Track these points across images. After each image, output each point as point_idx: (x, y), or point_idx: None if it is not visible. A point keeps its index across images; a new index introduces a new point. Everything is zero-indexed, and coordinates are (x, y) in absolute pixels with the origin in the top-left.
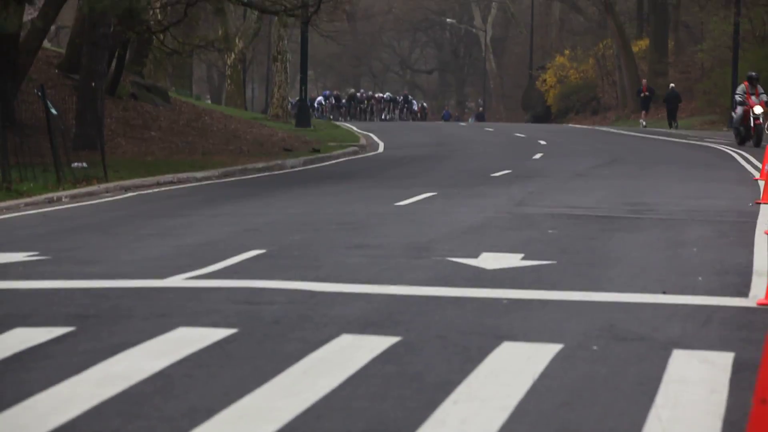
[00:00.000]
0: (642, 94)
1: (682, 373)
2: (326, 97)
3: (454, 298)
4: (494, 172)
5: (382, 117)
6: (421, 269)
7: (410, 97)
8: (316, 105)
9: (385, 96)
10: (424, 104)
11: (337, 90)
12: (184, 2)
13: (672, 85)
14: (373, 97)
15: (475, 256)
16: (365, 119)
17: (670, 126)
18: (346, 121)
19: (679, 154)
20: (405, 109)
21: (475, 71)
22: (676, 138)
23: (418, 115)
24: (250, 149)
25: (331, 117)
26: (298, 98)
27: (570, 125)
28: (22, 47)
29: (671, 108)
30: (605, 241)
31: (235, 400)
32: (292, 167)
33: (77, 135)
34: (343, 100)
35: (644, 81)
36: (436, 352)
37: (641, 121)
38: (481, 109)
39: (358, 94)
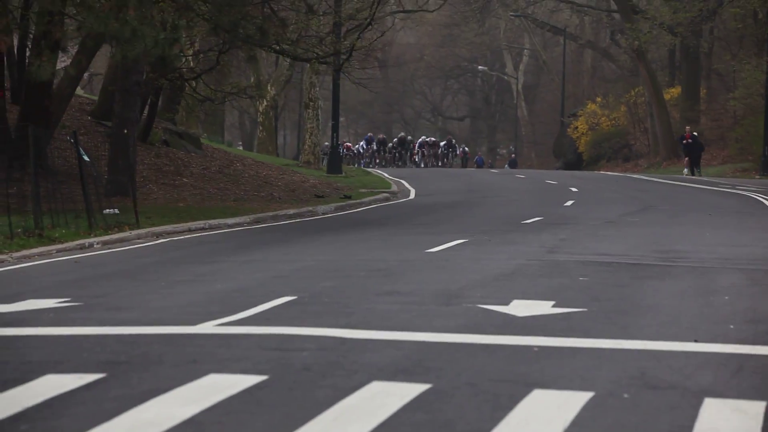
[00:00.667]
0: (685, 141)
1: (714, 422)
2: (368, 142)
3: (484, 346)
4: (525, 219)
5: (434, 163)
6: (452, 316)
7: (453, 141)
8: (357, 150)
9: (438, 141)
10: (466, 148)
11: (382, 134)
12: (217, 50)
13: (695, 133)
14: (425, 142)
15: (506, 303)
16: (415, 166)
17: (692, 173)
18: (392, 166)
19: (711, 202)
20: (450, 154)
21: (506, 118)
22: (707, 186)
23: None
24: (282, 196)
25: (377, 163)
26: (327, 143)
27: (601, 172)
28: (55, 94)
29: (695, 156)
30: (636, 289)
31: None
32: (323, 214)
33: (109, 181)
34: (390, 144)
35: (688, 128)
36: (467, 400)
37: (684, 169)
38: (513, 155)
39: (409, 138)
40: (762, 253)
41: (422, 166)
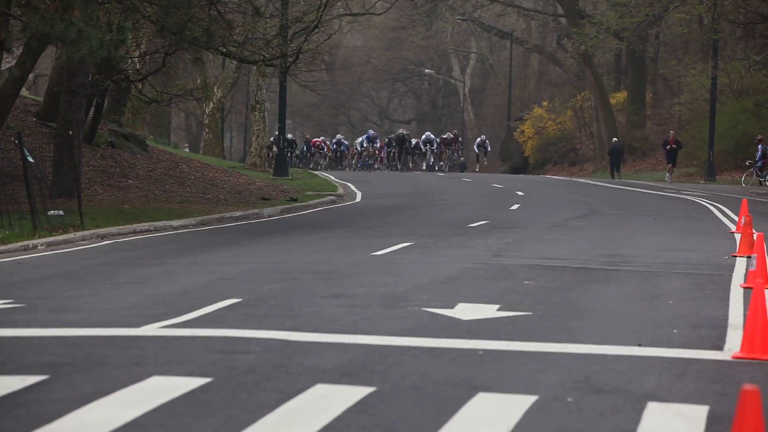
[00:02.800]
0: (668, 147)
1: (657, 426)
2: (371, 139)
3: (429, 349)
4: (471, 223)
5: (434, 166)
6: (397, 319)
7: (460, 138)
8: (358, 148)
9: (445, 137)
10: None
11: (403, 129)
12: (163, 51)
13: (615, 139)
14: (443, 140)
15: (451, 306)
16: (408, 167)
17: (613, 177)
18: (389, 169)
19: (656, 206)
20: (457, 155)
21: (453, 121)
22: (653, 190)
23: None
24: (228, 198)
25: (384, 164)
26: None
27: (548, 176)
28: None
29: (615, 160)
30: (581, 293)
31: None
32: (269, 216)
33: (54, 183)
34: (386, 142)
35: (672, 132)
36: (411, 403)
37: (667, 175)
38: (462, 159)
39: (407, 133)
40: (706, 257)
41: (437, 169)
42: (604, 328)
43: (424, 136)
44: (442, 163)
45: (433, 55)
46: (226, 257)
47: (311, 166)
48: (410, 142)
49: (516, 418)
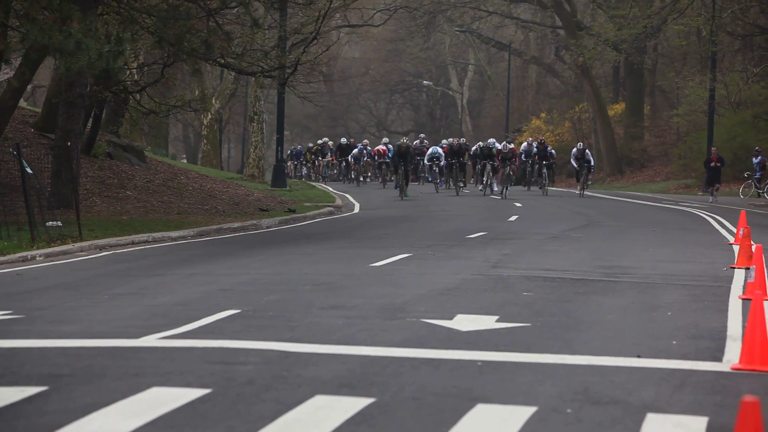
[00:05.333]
0: (712, 164)
1: None
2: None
3: (428, 360)
4: (470, 234)
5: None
6: (396, 330)
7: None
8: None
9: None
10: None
11: (460, 137)
12: (161, 63)
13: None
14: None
15: (450, 317)
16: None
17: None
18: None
19: (655, 218)
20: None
21: (451, 133)
22: (651, 201)
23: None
24: (226, 209)
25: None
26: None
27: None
28: None
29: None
30: (580, 304)
31: None
32: (267, 227)
33: (52, 194)
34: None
35: (714, 149)
36: (410, 414)
37: (710, 198)
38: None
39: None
40: (704, 269)
41: (494, 189)
42: (603, 339)
43: (430, 152)
44: (481, 186)
45: (431, 67)
46: (224, 268)
47: (370, 178)
48: (414, 156)
49: (515, 429)
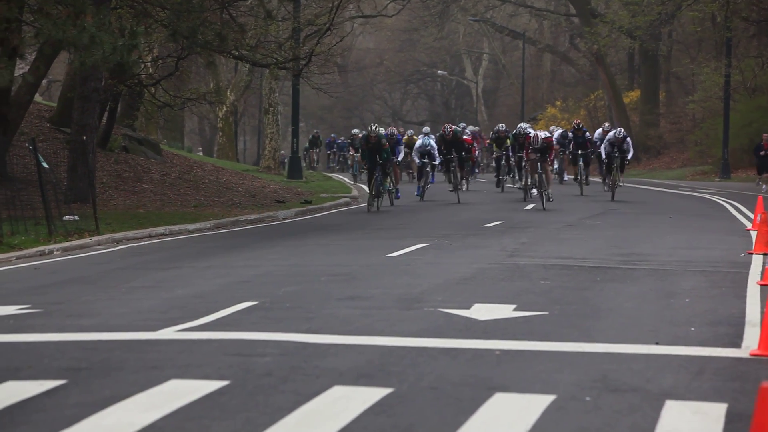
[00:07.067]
0: (763, 153)
1: (675, 424)
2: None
3: (446, 350)
4: (486, 223)
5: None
6: (413, 320)
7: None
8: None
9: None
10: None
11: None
12: (175, 56)
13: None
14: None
15: (468, 307)
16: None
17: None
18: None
19: (671, 204)
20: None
21: (466, 122)
22: (667, 188)
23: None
24: (242, 201)
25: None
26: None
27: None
28: (13, 101)
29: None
30: (597, 292)
31: None
32: (283, 219)
33: (69, 188)
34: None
35: (765, 135)
36: (428, 404)
37: (764, 186)
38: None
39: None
40: (722, 255)
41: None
42: (621, 326)
43: (418, 143)
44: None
45: (445, 57)
46: (241, 260)
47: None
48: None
49: (534, 417)
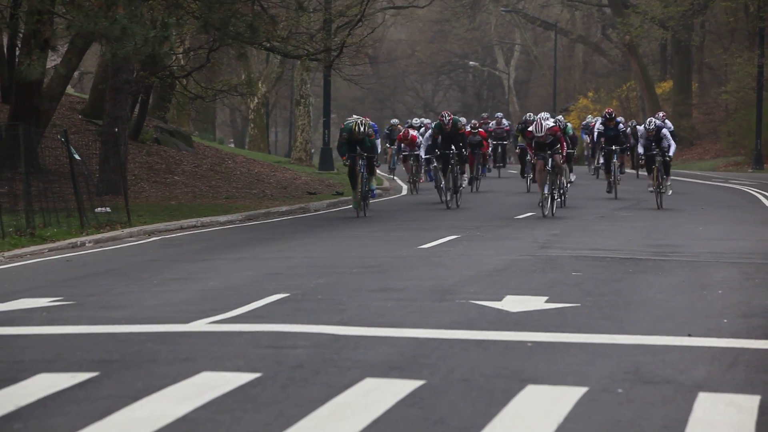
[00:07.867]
0: None
1: (708, 416)
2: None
3: (478, 341)
4: (518, 215)
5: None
6: (445, 312)
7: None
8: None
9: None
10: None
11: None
12: (207, 47)
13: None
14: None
15: (499, 299)
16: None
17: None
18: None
19: (704, 196)
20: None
21: (502, 113)
22: (700, 180)
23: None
24: (274, 193)
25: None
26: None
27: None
28: (45, 93)
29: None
30: (630, 284)
31: None
32: (315, 210)
33: (101, 180)
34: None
35: None
36: (461, 396)
37: None
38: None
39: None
40: (755, 246)
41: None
42: (653, 318)
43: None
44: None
45: (477, 48)
46: (273, 252)
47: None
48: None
49: (566, 409)
